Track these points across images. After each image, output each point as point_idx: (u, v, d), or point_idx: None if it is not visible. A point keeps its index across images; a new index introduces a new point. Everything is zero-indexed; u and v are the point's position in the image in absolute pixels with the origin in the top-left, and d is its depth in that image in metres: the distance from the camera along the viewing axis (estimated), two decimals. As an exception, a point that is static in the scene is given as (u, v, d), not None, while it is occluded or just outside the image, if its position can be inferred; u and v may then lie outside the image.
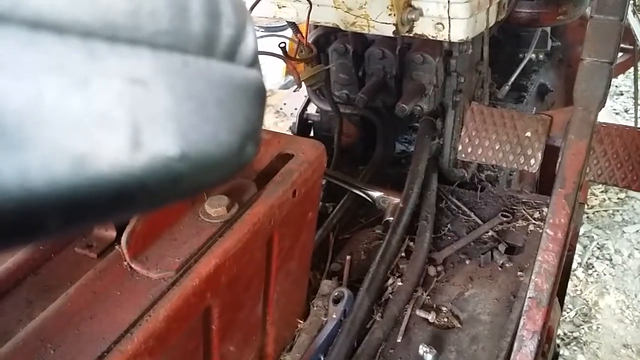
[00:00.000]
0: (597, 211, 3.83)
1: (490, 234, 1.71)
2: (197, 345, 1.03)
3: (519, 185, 2.04)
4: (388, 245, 1.59)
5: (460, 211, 1.79)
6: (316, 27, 1.66)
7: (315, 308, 1.52)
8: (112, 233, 1.01)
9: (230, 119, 0.30)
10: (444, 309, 1.53)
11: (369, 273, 1.54)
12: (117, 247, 0.98)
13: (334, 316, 1.47)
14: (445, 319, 1.51)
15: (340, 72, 1.80)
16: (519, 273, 1.59)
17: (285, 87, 3.21)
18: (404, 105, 1.65)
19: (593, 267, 3.51)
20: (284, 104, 2.49)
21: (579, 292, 3.36)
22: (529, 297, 1.05)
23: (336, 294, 1.52)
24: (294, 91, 2.42)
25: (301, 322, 1.50)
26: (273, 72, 3.50)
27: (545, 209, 1.69)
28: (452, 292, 1.57)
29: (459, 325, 1.49)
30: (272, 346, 1.37)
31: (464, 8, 1.28)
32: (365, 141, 1.95)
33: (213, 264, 0.96)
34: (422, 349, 1.41)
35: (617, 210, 3.87)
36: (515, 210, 1.76)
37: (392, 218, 1.71)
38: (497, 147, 1.48)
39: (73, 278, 0.94)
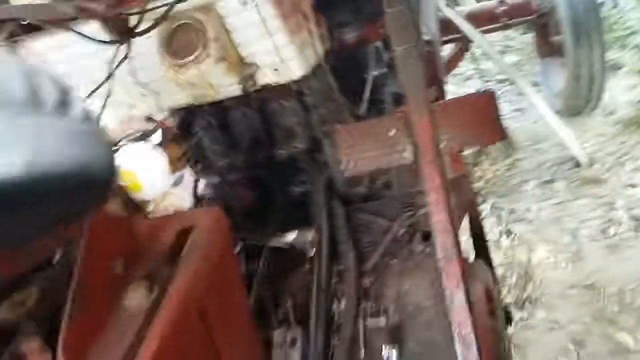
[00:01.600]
0: (494, 183, 4.13)
1: (402, 230, 1.84)
2: None
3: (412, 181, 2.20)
4: (319, 276, 1.68)
5: (370, 223, 1.91)
6: (173, 112, 1.76)
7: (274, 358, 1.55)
8: (47, 355, 1.01)
9: (66, 148, 0.40)
10: (390, 309, 1.62)
11: (312, 307, 1.60)
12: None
13: (296, 357, 1.52)
14: (396, 318, 1.60)
15: (214, 144, 1.89)
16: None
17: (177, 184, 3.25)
18: (281, 152, 1.78)
19: (512, 231, 3.74)
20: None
21: (510, 258, 3.56)
22: (440, 258, 1.16)
23: (289, 338, 1.57)
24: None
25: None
26: (161, 178, 3.53)
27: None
28: (391, 293, 1.67)
29: (409, 319, 1.58)
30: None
31: (291, 49, 1.45)
32: (263, 198, 2.04)
33: (153, 349, 0.98)
34: (385, 352, 1.49)
35: (511, 175, 4.19)
36: (415, 202, 1.91)
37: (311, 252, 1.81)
38: (372, 154, 1.63)
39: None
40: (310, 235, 1.86)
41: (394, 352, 1.47)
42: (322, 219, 1.82)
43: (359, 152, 1.63)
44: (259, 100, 1.84)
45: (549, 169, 4.07)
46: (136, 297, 1.05)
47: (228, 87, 1.43)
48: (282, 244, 1.86)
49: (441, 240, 1.16)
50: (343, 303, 1.65)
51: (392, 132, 1.60)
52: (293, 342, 1.55)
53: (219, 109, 1.88)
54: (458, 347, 1.13)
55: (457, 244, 1.17)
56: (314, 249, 1.77)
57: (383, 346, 1.49)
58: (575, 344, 2.88)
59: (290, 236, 1.88)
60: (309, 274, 1.79)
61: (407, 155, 1.62)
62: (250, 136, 1.86)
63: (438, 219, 1.17)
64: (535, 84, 4.48)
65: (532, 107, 4.22)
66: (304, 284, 1.77)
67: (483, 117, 1.62)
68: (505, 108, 4.62)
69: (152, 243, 1.19)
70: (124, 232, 1.12)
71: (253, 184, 1.99)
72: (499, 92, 4.82)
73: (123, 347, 0.98)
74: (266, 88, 1.58)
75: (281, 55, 1.44)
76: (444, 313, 1.53)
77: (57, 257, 1.04)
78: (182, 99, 1.50)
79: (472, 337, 1.11)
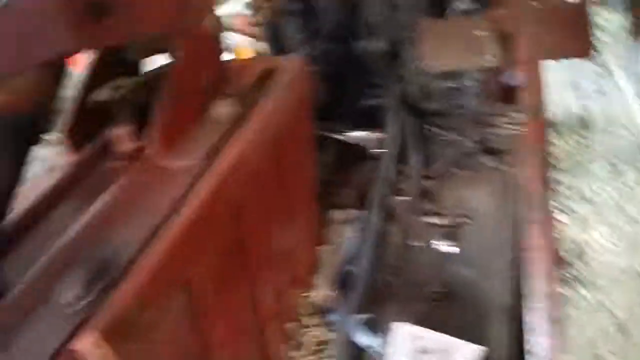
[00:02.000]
0: (560, 158, 4.00)
1: (471, 144, 1.83)
2: (231, 240, 1.07)
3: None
4: (383, 167, 1.70)
5: (439, 135, 1.91)
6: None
7: (330, 233, 1.59)
8: (134, 145, 1.08)
9: None
10: (447, 212, 1.63)
11: (374, 192, 1.63)
12: (143, 153, 1.05)
13: (351, 235, 1.55)
14: (451, 220, 1.60)
15: (295, 31, 1.89)
16: (505, 169, 1.72)
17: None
18: (362, 49, 1.80)
19: (571, 208, 3.63)
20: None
21: (564, 235, 3.46)
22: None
23: (349, 215, 1.61)
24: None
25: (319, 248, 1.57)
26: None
27: (512, 114, 1.83)
28: (452, 198, 1.67)
29: (465, 221, 1.59)
30: (305, 261, 1.43)
31: None
32: (338, 92, 2.02)
33: (235, 153, 1.03)
34: (439, 244, 1.51)
35: (579, 153, 4.05)
36: (487, 121, 1.89)
37: (377, 150, 1.83)
38: (456, 53, 1.62)
39: (106, 187, 1.00)
40: (378, 135, 1.88)
41: (447, 247, 1.49)
42: (392, 119, 1.83)
43: (443, 48, 1.62)
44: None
45: (620, 153, 3.92)
46: (222, 108, 1.10)
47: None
48: (351, 138, 1.89)
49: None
50: (403, 197, 1.67)
51: (478, 32, 1.58)
52: (351, 221, 1.59)
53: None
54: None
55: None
56: (381, 147, 1.79)
57: (437, 239, 1.51)
58: (619, 329, 2.80)
59: (359, 133, 1.91)
60: (373, 170, 1.81)
61: (491, 58, 1.60)
62: (333, 27, 1.85)
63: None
64: (623, 68, 4.28)
65: (614, 91, 4.05)
66: (368, 178, 1.79)
67: (573, 28, 1.56)
68: (587, 87, 4.45)
69: (239, 74, 1.23)
70: (214, 50, 1.16)
71: (330, 77, 1.99)
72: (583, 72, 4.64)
73: (206, 146, 1.03)
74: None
75: None
76: (501, 221, 1.54)
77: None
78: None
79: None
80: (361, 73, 1.97)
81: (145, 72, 1.19)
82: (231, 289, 1.07)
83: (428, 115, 1.99)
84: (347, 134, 1.89)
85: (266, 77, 1.22)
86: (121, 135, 1.07)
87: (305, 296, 1.46)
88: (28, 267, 0.84)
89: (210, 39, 1.12)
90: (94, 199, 0.97)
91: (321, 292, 1.47)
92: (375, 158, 1.82)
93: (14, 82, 0.85)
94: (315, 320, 1.41)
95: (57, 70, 0.94)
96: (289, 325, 1.40)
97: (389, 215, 1.61)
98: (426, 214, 1.62)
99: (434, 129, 1.92)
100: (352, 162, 1.87)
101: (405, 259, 1.50)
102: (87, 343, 0.70)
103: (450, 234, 1.55)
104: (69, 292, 0.76)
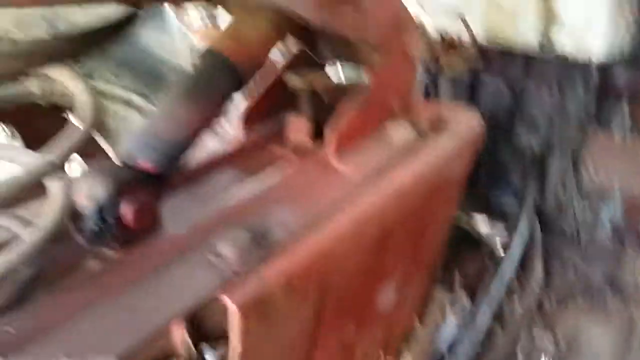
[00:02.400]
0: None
1: (599, 278, 1.70)
2: (371, 265, 1.03)
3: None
4: (504, 269, 1.60)
5: (569, 260, 1.80)
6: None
7: (430, 311, 1.50)
8: (306, 139, 1.07)
9: None
10: (559, 336, 1.50)
11: (488, 288, 1.53)
12: (313, 149, 1.03)
13: (453, 319, 1.45)
14: (562, 345, 1.47)
15: (453, 98, 1.89)
16: (631, 312, 1.57)
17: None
18: (522, 133, 1.75)
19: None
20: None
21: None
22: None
23: (455, 299, 1.51)
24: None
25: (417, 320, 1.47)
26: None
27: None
28: (566, 324, 1.54)
29: (576, 353, 1.45)
30: (400, 324, 1.35)
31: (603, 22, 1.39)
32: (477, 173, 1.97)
33: (403, 180, 0.99)
34: (545, 366, 1.38)
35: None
36: (621, 259, 1.76)
37: (500, 249, 1.75)
38: (619, 174, 1.54)
39: (271, 169, 0.98)
40: (500, 229, 1.80)
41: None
42: (525, 227, 1.75)
43: (608, 165, 1.55)
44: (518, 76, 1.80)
45: None
46: (399, 132, 1.07)
47: (527, 33, 1.43)
48: (476, 225, 1.82)
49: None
50: (515, 304, 1.56)
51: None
52: (456, 305, 1.49)
53: (473, 71, 1.87)
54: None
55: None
56: (508, 247, 1.70)
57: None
58: None
59: (486, 225, 1.83)
60: (485, 266, 1.73)
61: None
62: (492, 110, 1.83)
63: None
64: None
65: None
66: (477, 271, 1.71)
67: None
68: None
69: (419, 108, 1.21)
70: (410, 75, 1.16)
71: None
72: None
73: (377, 160, 1.01)
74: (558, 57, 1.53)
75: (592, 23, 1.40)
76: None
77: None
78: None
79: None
80: (505, 163, 1.93)
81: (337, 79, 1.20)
82: (348, 310, 1.02)
83: (558, 233, 1.89)
84: (473, 220, 1.82)
85: (444, 119, 1.20)
86: (297, 126, 1.07)
87: (388, 361, 1.36)
88: (185, 216, 0.83)
89: (412, 62, 1.12)
90: (255, 176, 0.96)
91: (407, 365, 1.36)
92: (494, 255, 1.74)
93: (247, 34, 0.88)
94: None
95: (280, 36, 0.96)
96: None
97: (498, 317, 1.50)
98: (538, 331, 1.49)
99: (562, 249, 1.82)
100: (467, 249, 1.78)
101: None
102: (235, 300, 0.67)
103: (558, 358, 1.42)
104: (226, 249, 0.73)
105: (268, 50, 0.93)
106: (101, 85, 2.04)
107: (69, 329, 0.60)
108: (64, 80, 0.70)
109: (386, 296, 1.19)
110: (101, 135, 2.01)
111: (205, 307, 0.70)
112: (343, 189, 0.92)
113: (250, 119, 1.09)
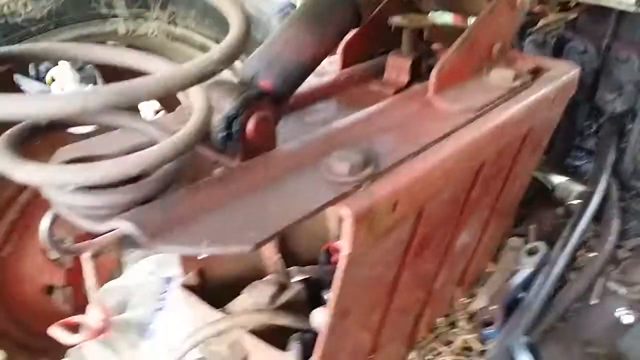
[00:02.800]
0: None
1: (677, 233, 1.68)
2: (460, 199, 1.07)
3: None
4: (579, 220, 1.60)
5: (642, 213, 1.78)
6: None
7: (506, 257, 1.53)
8: (405, 78, 1.10)
9: None
10: (634, 287, 1.50)
11: (562, 238, 1.55)
12: (412, 87, 1.07)
13: (529, 265, 1.48)
14: (637, 296, 1.47)
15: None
16: None
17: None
18: (606, 94, 1.72)
19: None
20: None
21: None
22: None
23: (531, 247, 1.54)
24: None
25: (492, 265, 1.51)
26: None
27: None
28: (640, 273, 1.54)
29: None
30: (475, 265, 1.39)
31: None
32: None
33: (501, 119, 1.02)
34: (619, 311, 1.39)
35: None
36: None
37: (575, 202, 1.74)
38: None
39: (371, 104, 1.02)
40: (577, 187, 1.79)
41: (632, 319, 1.36)
42: (602, 177, 1.73)
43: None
44: (612, 31, 1.75)
45: None
46: (499, 75, 1.09)
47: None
48: (550, 180, 1.82)
49: None
50: (590, 255, 1.57)
51: None
52: (531, 253, 1.52)
53: (562, 34, 1.85)
54: None
55: None
56: (584, 199, 1.70)
57: (620, 308, 1.39)
58: None
59: (557, 179, 1.83)
60: (560, 218, 1.73)
61: None
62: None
63: None
64: None
65: None
66: (553, 223, 1.72)
67: None
68: None
69: (516, 58, 1.22)
70: (514, 24, 1.16)
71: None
72: None
73: (479, 99, 1.03)
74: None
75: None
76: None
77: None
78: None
79: None
80: (579, 128, 1.91)
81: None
82: (433, 241, 1.06)
83: (634, 192, 1.87)
84: (547, 174, 1.82)
85: (542, 69, 1.20)
86: (397, 64, 1.10)
87: (462, 300, 1.41)
88: (297, 137, 0.88)
89: (517, 13, 1.12)
90: (355, 110, 1.00)
91: (480, 303, 1.41)
92: (569, 208, 1.74)
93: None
94: (467, 326, 1.35)
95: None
96: (439, 319, 1.37)
97: (573, 266, 1.52)
98: (613, 280, 1.50)
99: (638, 207, 1.80)
100: (541, 200, 1.79)
101: (580, 313, 1.40)
102: (349, 208, 0.72)
103: (634, 307, 1.42)
104: (338, 167, 0.78)
105: None
106: (181, 31, 2.11)
107: (207, 221, 0.67)
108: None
109: (466, 235, 1.23)
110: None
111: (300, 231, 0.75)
112: (443, 123, 0.95)
113: (350, 55, 1.13)
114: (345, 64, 1.14)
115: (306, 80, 1.06)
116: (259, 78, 0.81)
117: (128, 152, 0.75)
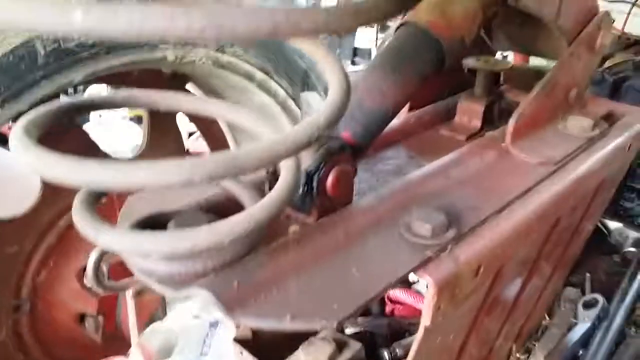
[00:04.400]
0: None
1: None
2: (532, 256, 1.01)
3: None
4: (638, 270, 1.52)
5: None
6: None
7: (562, 309, 1.46)
8: (477, 123, 1.04)
9: None
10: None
11: (620, 290, 1.47)
12: (487, 134, 1.01)
13: (586, 319, 1.40)
14: None
15: None
16: None
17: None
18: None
19: None
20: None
21: None
22: None
23: (589, 299, 1.45)
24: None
25: (547, 317, 1.44)
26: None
27: None
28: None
29: None
30: (533, 318, 1.32)
31: None
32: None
33: (581, 171, 0.95)
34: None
35: None
36: None
37: (632, 249, 1.67)
38: None
39: (443, 151, 0.97)
40: (634, 233, 1.72)
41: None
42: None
43: None
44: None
45: None
46: (578, 124, 1.03)
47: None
48: (607, 226, 1.74)
49: None
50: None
51: None
52: (588, 306, 1.44)
53: (619, 74, 1.79)
54: None
55: None
56: (636, 247, 1.62)
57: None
58: None
59: (614, 224, 1.75)
60: (617, 266, 1.66)
61: None
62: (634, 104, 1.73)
63: None
64: None
65: None
66: (609, 271, 1.64)
67: None
68: None
69: (590, 105, 1.16)
70: (591, 67, 1.11)
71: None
72: None
73: (558, 150, 0.97)
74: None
75: None
76: None
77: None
78: None
79: None
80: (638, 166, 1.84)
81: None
82: (503, 300, 1.00)
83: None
84: (604, 220, 1.74)
85: (614, 116, 1.14)
86: (468, 108, 1.04)
87: (518, 356, 1.34)
88: (373, 189, 0.83)
89: (595, 57, 1.06)
90: (427, 157, 0.95)
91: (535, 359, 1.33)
92: (625, 256, 1.67)
93: (453, 9, 0.85)
94: (523, 385, 1.28)
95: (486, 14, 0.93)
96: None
97: (632, 320, 1.44)
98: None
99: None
100: (596, 246, 1.71)
101: (641, 372, 1.32)
102: (433, 276, 0.66)
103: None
104: (421, 227, 0.73)
105: (473, 28, 0.91)
106: (228, 58, 2.09)
107: (288, 290, 0.62)
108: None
109: (531, 289, 1.16)
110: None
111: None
112: (523, 176, 0.89)
113: (419, 98, 1.08)
114: (413, 106, 1.09)
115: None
116: (340, 128, 0.76)
117: (203, 207, 0.70)
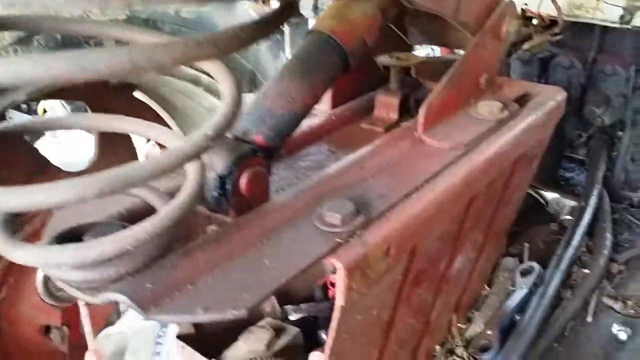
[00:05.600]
0: None
1: (668, 245, 1.70)
2: (453, 232, 1.08)
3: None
4: (572, 236, 1.62)
5: (634, 224, 1.80)
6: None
7: (500, 278, 1.54)
8: (394, 115, 1.11)
9: None
10: (629, 302, 1.51)
11: (556, 256, 1.56)
12: (403, 124, 1.08)
13: (523, 286, 1.49)
14: (632, 310, 1.49)
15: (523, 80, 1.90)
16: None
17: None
18: (594, 109, 1.74)
19: None
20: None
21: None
22: None
23: (525, 267, 1.55)
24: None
25: (487, 287, 1.52)
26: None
27: None
28: (636, 289, 1.56)
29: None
30: (471, 289, 1.40)
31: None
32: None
33: (491, 152, 1.03)
34: (616, 328, 1.40)
35: None
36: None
37: (568, 217, 1.76)
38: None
39: (362, 144, 1.04)
40: (569, 202, 1.81)
41: (624, 335, 1.38)
42: (593, 192, 1.75)
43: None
44: (598, 45, 1.78)
45: None
46: (487, 108, 1.10)
47: (609, 4, 1.41)
48: (544, 196, 1.83)
49: None
50: (584, 271, 1.58)
51: None
52: (525, 273, 1.53)
53: (548, 49, 1.87)
54: None
55: None
56: (575, 215, 1.71)
57: (616, 324, 1.41)
58: None
59: (550, 195, 1.85)
60: (554, 234, 1.75)
61: None
62: (564, 86, 1.82)
63: None
64: None
65: None
66: (547, 240, 1.73)
67: None
68: None
69: (503, 86, 1.24)
70: (500, 54, 1.18)
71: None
72: None
73: (468, 133, 1.04)
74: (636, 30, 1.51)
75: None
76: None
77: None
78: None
79: None
80: (568, 139, 1.94)
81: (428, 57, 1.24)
82: (428, 274, 1.07)
83: (626, 203, 1.89)
84: (541, 190, 1.83)
85: (528, 96, 1.22)
86: (385, 102, 1.11)
87: (459, 326, 1.42)
88: (290, 186, 0.89)
89: (502, 44, 1.14)
90: (347, 151, 1.01)
91: (476, 328, 1.42)
92: (562, 224, 1.76)
93: (354, 15, 0.92)
94: (464, 353, 1.36)
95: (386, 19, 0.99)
96: (437, 347, 1.37)
97: (568, 284, 1.54)
98: (608, 296, 1.51)
99: (630, 218, 1.82)
100: (534, 217, 1.80)
101: (576, 332, 1.41)
102: (342, 261, 0.73)
103: (629, 323, 1.44)
104: (330, 217, 0.79)
105: (373, 30, 0.97)
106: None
107: (201, 286, 0.68)
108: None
109: (461, 262, 1.24)
110: (168, 112, 2.11)
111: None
112: (434, 161, 0.97)
113: (341, 94, 1.14)
114: (335, 103, 1.15)
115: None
116: (251, 133, 0.82)
117: (122, 217, 0.76)
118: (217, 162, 0.77)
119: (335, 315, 0.78)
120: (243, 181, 0.78)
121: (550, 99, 1.22)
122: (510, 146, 1.08)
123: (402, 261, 0.93)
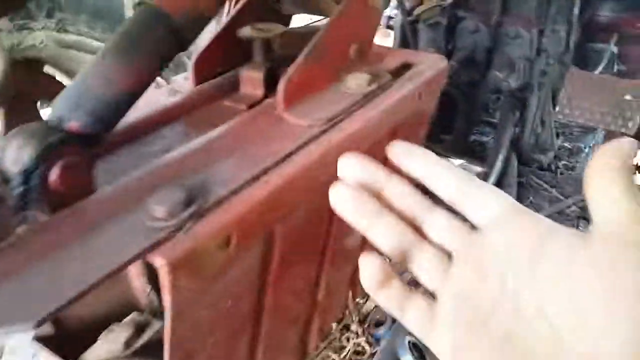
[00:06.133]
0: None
1: (573, 208, 1.72)
2: (324, 210, 1.04)
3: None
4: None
5: (541, 188, 1.81)
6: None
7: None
8: (260, 91, 1.05)
9: None
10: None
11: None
12: (265, 101, 1.02)
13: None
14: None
15: (430, 46, 1.87)
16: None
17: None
18: (498, 73, 1.72)
19: None
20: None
21: None
22: None
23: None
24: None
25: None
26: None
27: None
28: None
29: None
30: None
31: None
32: (444, 116, 1.98)
33: (354, 127, 0.99)
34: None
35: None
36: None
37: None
38: (595, 109, 1.51)
39: (224, 121, 0.97)
40: (476, 168, 1.81)
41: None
42: (499, 157, 1.74)
43: (582, 100, 1.53)
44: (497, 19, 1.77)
45: None
46: (356, 81, 1.05)
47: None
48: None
49: None
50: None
51: (628, 97, 1.47)
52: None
53: (454, 14, 1.85)
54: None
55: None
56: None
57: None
58: None
59: (457, 161, 1.83)
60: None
61: (632, 126, 1.49)
62: (469, 52, 1.81)
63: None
64: None
65: None
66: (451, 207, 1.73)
67: None
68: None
69: (380, 57, 1.19)
70: (372, 24, 1.12)
71: (451, 98, 1.93)
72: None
73: (331, 109, 0.99)
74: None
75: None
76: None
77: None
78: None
79: None
80: (482, 103, 1.91)
81: (296, 27, 1.18)
82: (303, 259, 1.03)
83: (535, 166, 1.90)
84: (449, 158, 1.82)
85: (406, 66, 1.18)
86: (249, 78, 1.05)
87: (356, 302, 1.41)
88: (123, 177, 0.82)
89: (373, 12, 1.08)
90: (203, 131, 0.95)
91: (372, 303, 1.41)
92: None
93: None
94: (359, 329, 1.35)
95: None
96: (333, 324, 1.36)
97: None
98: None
99: (538, 181, 1.83)
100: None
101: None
102: (162, 258, 0.68)
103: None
104: (157, 209, 0.73)
105: (212, 2, 0.89)
106: (74, 37, 2.02)
107: (-7, 295, 0.62)
108: None
109: (347, 237, 1.21)
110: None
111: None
112: (289, 140, 0.91)
113: (202, 72, 1.07)
114: (199, 80, 1.08)
115: (154, 102, 1.01)
116: (65, 120, 0.75)
117: None
118: (23, 155, 0.70)
119: (167, 316, 0.74)
120: (53, 175, 0.71)
121: (429, 68, 1.18)
122: (380, 120, 1.03)
123: (256, 247, 0.88)
